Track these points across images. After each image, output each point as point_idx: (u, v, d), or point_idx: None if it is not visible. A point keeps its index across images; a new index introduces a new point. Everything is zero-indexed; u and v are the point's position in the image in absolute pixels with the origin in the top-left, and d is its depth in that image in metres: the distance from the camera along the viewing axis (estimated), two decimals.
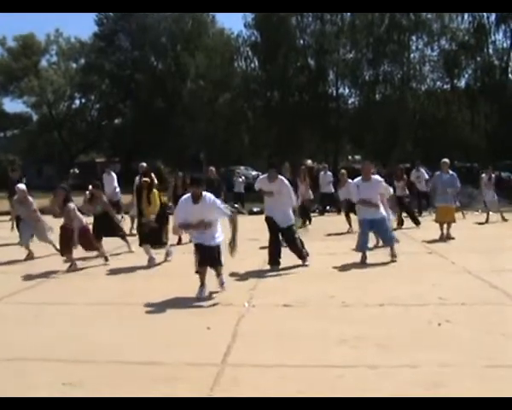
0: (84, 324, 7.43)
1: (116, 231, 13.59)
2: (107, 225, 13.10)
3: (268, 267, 11.26)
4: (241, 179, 26.90)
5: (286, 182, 11.48)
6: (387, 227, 12.32)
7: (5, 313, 8.13)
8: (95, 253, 12.44)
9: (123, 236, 13.83)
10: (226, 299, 8.58)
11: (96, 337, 6.80)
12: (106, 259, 12.24)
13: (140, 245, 12.07)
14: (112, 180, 19.33)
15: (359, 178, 12.23)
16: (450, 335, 6.66)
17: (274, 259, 11.31)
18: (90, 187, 13.55)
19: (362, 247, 11.88)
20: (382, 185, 12.50)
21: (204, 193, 9.05)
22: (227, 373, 5.59)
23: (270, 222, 11.44)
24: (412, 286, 9.37)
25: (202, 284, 8.92)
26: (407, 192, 18.96)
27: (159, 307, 8.17)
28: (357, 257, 11.75)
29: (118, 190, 19.27)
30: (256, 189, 11.89)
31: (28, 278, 10.58)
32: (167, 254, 12.33)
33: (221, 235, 9.17)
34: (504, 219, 19.61)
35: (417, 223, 18.15)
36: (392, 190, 14.70)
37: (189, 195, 9.11)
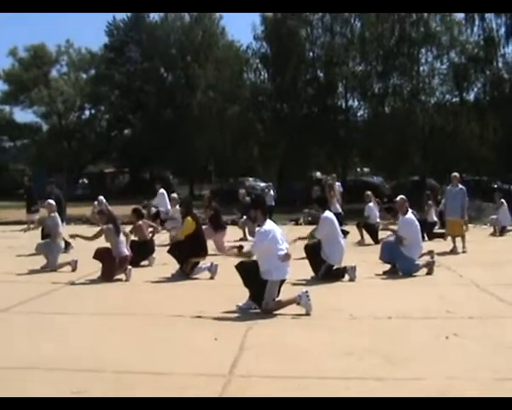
0: (93, 334, 7.45)
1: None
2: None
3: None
4: (272, 193, 26.40)
5: None
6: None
7: (14, 322, 8.17)
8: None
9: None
10: (233, 309, 8.59)
11: (104, 347, 6.83)
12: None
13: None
14: (164, 198, 19.69)
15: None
16: (457, 348, 6.66)
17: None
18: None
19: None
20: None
21: None
22: (234, 384, 5.60)
23: None
24: (420, 299, 9.37)
25: None
26: (435, 219, 18.37)
27: (166, 318, 8.19)
28: (364, 269, 11.70)
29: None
30: None
31: (37, 288, 10.57)
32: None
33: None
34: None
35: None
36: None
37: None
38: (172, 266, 12.08)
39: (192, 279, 11.36)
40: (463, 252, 15.04)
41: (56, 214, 13.28)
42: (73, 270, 12.45)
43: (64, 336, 7.34)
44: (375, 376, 5.72)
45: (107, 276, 11.40)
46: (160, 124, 47.91)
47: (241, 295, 9.02)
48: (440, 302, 8.98)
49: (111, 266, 11.44)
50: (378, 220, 17.58)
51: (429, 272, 11.73)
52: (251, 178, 43.57)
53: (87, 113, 60.06)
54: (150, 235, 14.06)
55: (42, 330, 7.61)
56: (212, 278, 11.54)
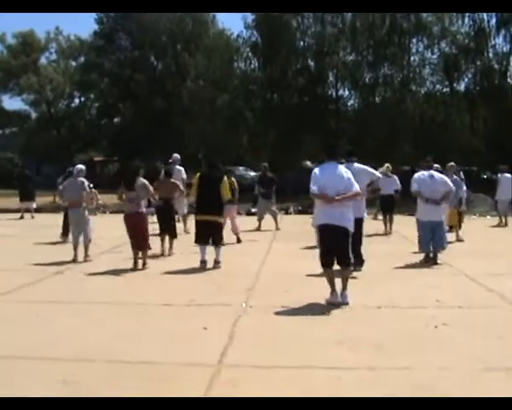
0: (83, 323, 7.41)
1: (173, 223, 13.40)
2: (168, 216, 13.14)
3: (266, 269, 11.29)
4: None
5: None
6: (444, 231, 12.19)
7: (2, 311, 8.11)
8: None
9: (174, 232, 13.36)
10: (223, 299, 8.57)
11: (95, 337, 6.80)
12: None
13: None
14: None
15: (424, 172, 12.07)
16: (446, 338, 6.68)
17: None
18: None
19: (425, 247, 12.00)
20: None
21: None
22: (223, 374, 5.59)
23: None
24: (410, 289, 9.38)
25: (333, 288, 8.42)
26: None
27: (156, 308, 8.17)
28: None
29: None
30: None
31: (29, 276, 10.48)
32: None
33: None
34: (502, 224, 19.53)
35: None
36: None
37: None
38: (169, 259, 12.07)
39: (184, 271, 11.28)
40: (459, 241, 15.06)
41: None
42: (74, 261, 12.22)
43: (54, 325, 7.30)
44: (365, 365, 5.72)
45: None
46: (149, 112, 47.73)
47: (233, 285, 9.00)
48: (430, 292, 8.99)
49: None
50: (393, 192, 17.40)
51: (426, 261, 11.75)
52: (241, 168, 43.45)
53: (76, 101, 59.73)
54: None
55: (31, 319, 7.57)
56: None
